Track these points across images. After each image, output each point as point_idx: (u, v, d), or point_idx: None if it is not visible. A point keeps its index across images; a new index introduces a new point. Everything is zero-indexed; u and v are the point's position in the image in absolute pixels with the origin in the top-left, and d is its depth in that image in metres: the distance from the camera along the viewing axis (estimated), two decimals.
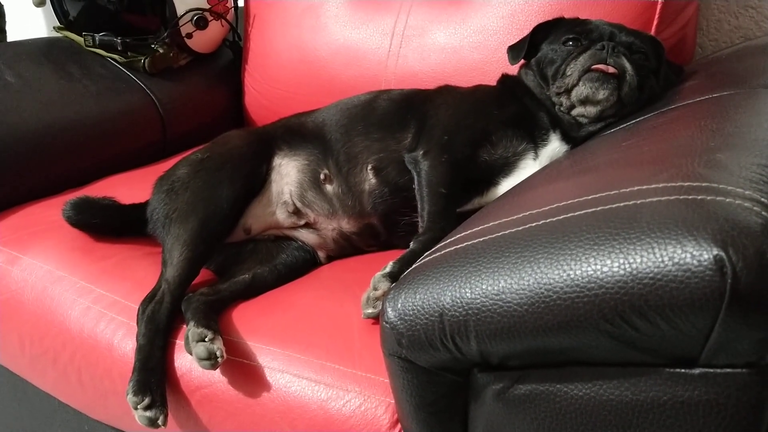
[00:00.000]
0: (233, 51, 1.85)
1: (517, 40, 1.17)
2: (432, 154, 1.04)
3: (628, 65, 1.01)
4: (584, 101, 1.02)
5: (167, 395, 0.91)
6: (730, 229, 0.51)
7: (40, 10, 1.97)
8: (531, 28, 1.14)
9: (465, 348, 0.62)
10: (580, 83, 1.01)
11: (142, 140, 1.61)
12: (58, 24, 1.75)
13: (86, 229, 1.20)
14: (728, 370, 0.53)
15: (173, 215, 1.08)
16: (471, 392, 0.68)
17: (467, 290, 0.61)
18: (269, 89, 1.70)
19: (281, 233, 1.17)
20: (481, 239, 0.66)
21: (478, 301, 0.60)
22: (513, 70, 1.18)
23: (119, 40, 1.63)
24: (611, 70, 1.00)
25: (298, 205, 1.15)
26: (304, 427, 0.83)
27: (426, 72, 1.44)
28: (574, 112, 1.05)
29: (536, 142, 1.07)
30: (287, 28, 1.65)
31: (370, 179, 1.11)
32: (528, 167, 1.05)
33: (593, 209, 0.60)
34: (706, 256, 0.50)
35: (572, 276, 0.55)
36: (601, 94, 1.00)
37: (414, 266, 0.72)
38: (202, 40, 1.72)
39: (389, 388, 0.75)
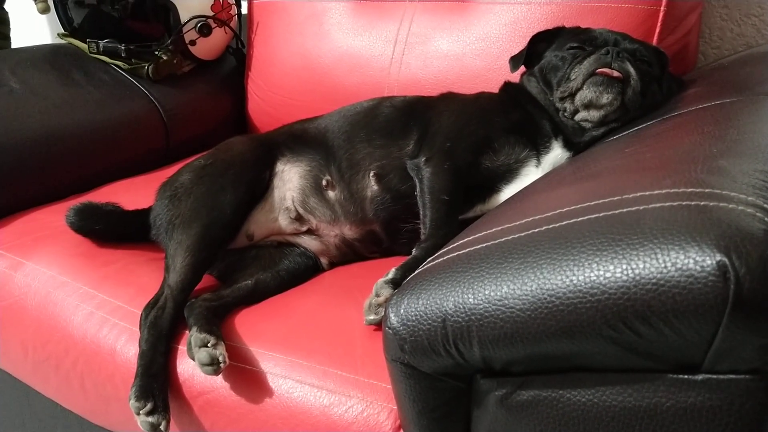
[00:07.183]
0: (236, 58, 1.86)
1: (520, 48, 1.18)
2: (434, 160, 1.04)
3: (632, 70, 1.01)
4: (588, 105, 1.02)
5: (169, 401, 0.91)
6: (733, 235, 0.51)
7: (44, 17, 1.97)
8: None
9: (468, 354, 0.62)
10: (585, 87, 1.02)
11: (145, 146, 1.62)
12: (63, 31, 1.75)
13: (89, 234, 1.20)
14: (731, 376, 0.53)
15: (176, 221, 1.08)
16: (474, 398, 0.68)
17: (470, 296, 0.61)
18: (272, 96, 1.71)
19: (284, 239, 1.17)
20: (484, 245, 0.66)
21: (481, 306, 0.60)
22: (515, 77, 1.19)
23: (123, 47, 1.64)
24: (616, 74, 1.00)
25: (300, 211, 1.15)
26: None
27: (429, 79, 1.45)
28: (577, 117, 1.05)
29: (538, 149, 1.07)
30: (290, 36, 1.66)
31: (372, 186, 1.11)
32: (530, 174, 1.05)
33: (596, 215, 0.60)
34: (709, 262, 0.50)
35: (575, 282, 0.55)
36: (605, 98, 1.00)
37: (416, 272, 0.72)
38: (206, 47, 1.73)
39: (391, 394, 0.75)
